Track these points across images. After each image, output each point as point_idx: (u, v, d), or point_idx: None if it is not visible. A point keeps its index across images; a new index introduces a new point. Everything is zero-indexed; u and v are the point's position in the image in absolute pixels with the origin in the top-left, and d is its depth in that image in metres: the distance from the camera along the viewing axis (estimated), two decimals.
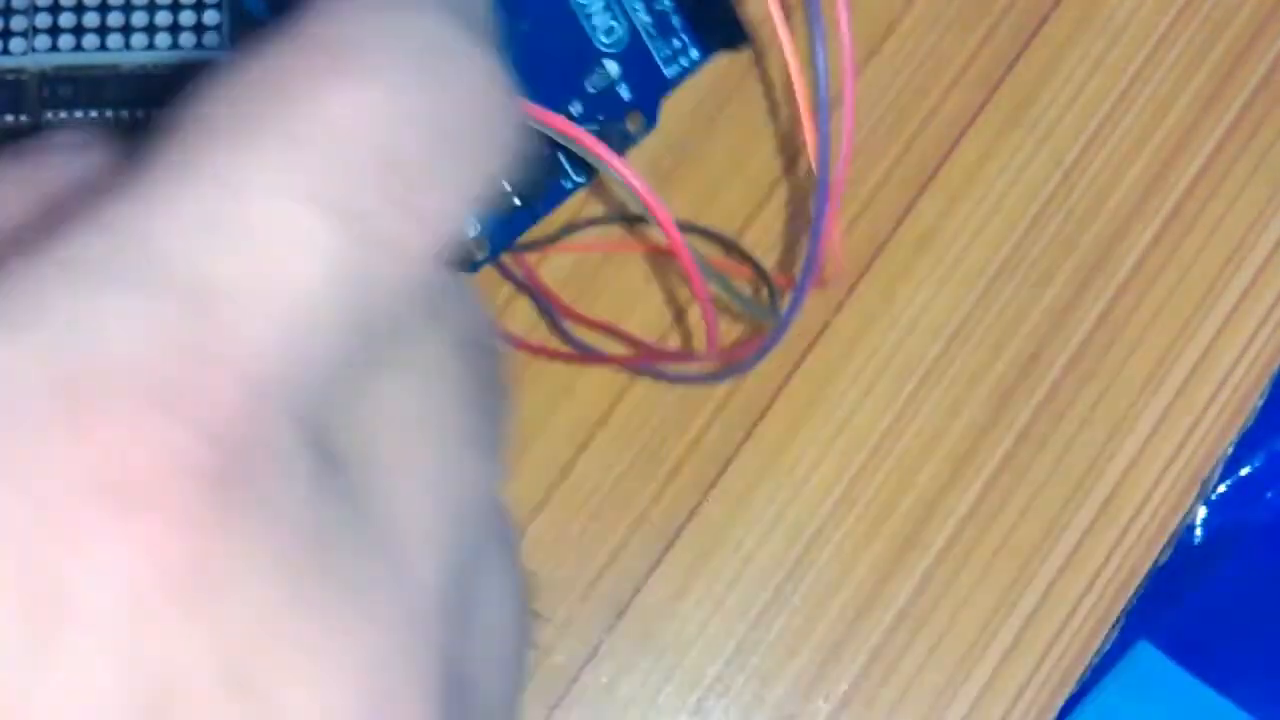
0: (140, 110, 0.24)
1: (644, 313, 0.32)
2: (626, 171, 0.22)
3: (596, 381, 0.31)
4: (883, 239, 0.32)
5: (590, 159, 0.22)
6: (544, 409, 0.31)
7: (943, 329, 0.32)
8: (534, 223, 0.25)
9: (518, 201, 0.25)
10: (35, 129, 0.29)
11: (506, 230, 0.25)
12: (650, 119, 0.26)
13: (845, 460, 0.32)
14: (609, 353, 0.29)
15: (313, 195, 0.13)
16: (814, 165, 0.23)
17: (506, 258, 0.30)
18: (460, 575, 0.14)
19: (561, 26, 0.25)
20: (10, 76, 0.24)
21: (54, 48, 0.24)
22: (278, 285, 0.13)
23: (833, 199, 0.24)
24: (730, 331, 0.32)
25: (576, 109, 0.25)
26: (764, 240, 0.32)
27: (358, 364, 0.14)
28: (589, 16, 0.25)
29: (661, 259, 0.31)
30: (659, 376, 0.30)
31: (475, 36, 0.14)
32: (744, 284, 0.31)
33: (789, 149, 0.32)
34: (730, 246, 0.32)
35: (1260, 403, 0.32)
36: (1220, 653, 0.33)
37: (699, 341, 0.31)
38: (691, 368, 0.28)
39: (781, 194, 0.32)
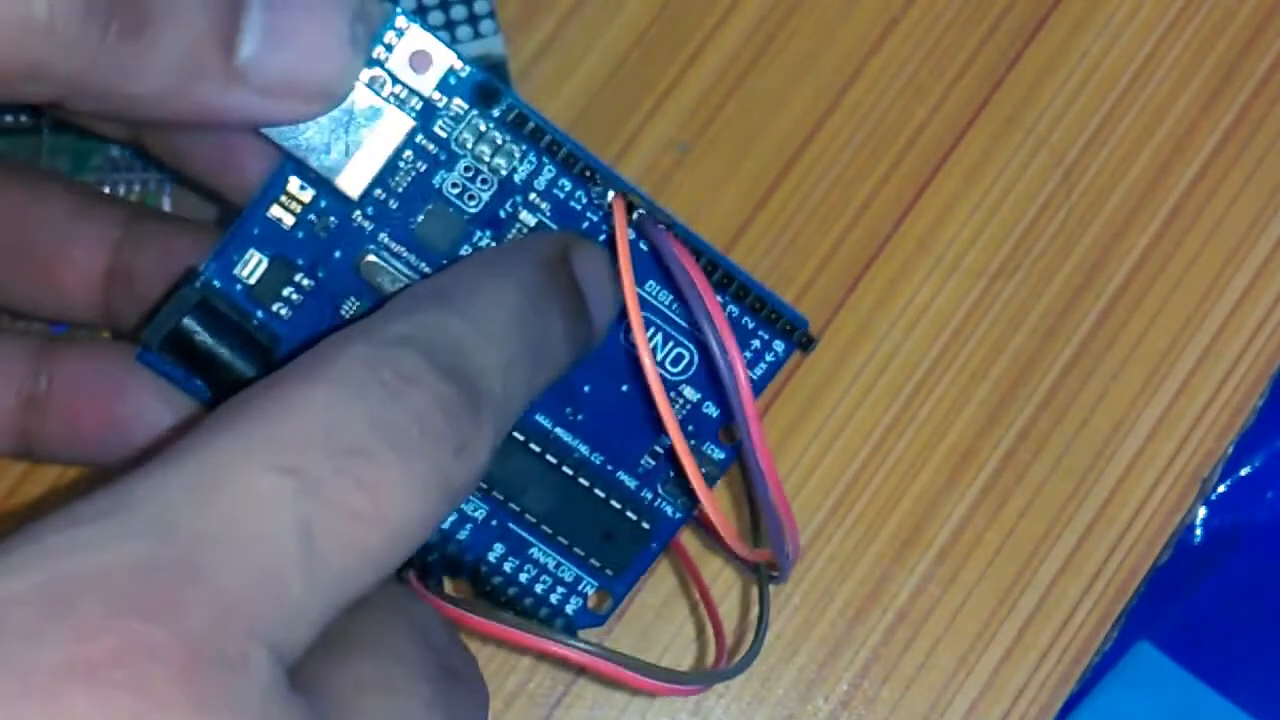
0: None
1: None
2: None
3: None
4: (883, 239, 0.32)
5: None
6: None
7: (943, 329, 0.32)
8: (641, 574, 0.25)
9: (611, 573, 0.25)
10: (35, 129, 0.29)
11: (621, 583, 0.25)
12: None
13: (845, 460, 0.32)
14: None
15: (278, 464, 0.17)
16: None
17: None
18: None
19: (624, 375, 0.25)
20: None
21: None
22: (247, 529, 0.16)
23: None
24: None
25: (663, 446, 0.25)
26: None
27: (326, 616, 0.17)
28: (651, 354, 0.24)
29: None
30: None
31: (429, 365, 0.18)
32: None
33: None
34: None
35: (1260, 403, 0.32)
36: (1220, 653, 0.33)
37: None
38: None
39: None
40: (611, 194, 0.23)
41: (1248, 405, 0.32)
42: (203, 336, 0.22)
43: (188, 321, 0.22)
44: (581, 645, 0.21)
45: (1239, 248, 0.33)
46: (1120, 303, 0.32)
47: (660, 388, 0.21)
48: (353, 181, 0.23)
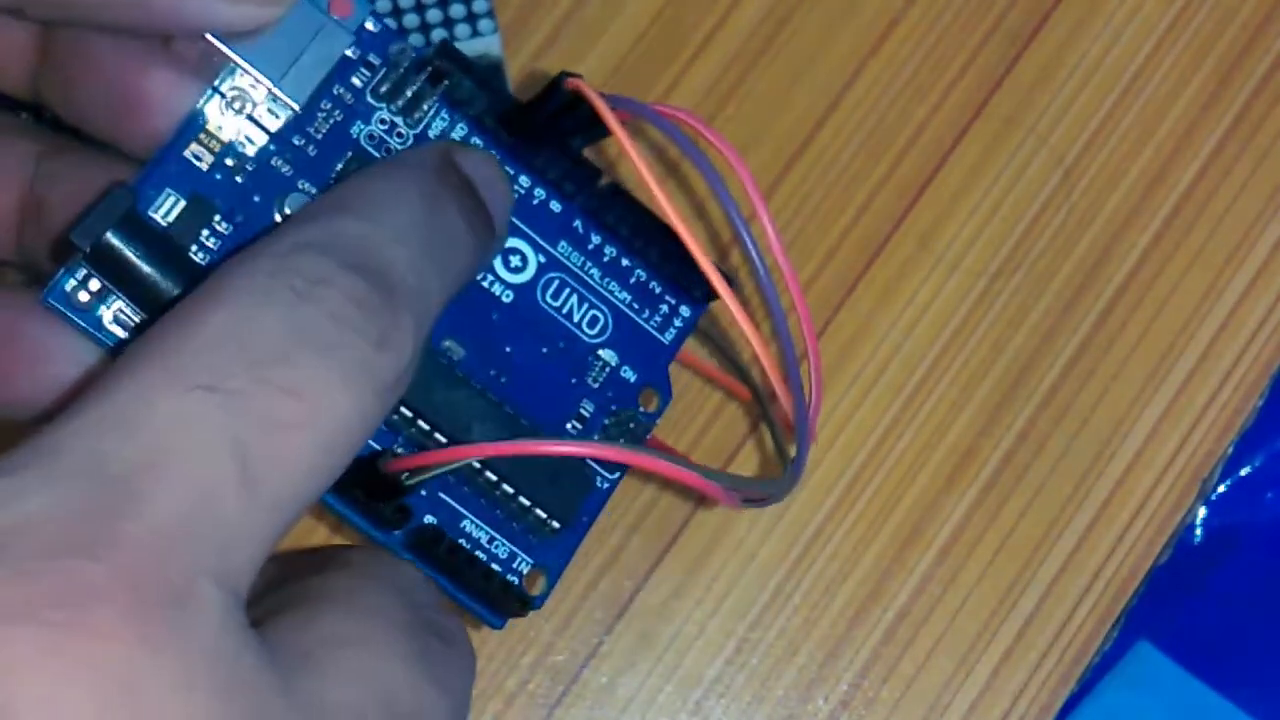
0: None
1: None
2: (652, 462, 0.21)
3: None
4: (883, 239, 0.32)
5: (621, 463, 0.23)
6: None
7: (943, 329, 0.32)
8: (583, 537, 0.24)
9: (557, 525, 0.24)
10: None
11: (559, 553, 0.24)
12: (665, 393, 0.25)
13: (845, 460, 0.32)
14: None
15: (196, 383, 0.16)
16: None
17: None
18: None
19: (544, 337, 0.24)
20: None
21: None
22: (177, 455, 0.16)
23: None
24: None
25: (588, 409, 0.24)
26: None
27: (271, 537, 0.16)
28: (568, 316, 0.24)
29: None
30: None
31: (342, 262, 0.18)
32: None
33: None
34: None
35: (1260, 403, 0.32)
36: (1220, 653, 0.33)
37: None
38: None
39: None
40: (565, 79, 0.23)
41: (1248, 405, 0.32)
42: (132, 246, 0.21)
43: (113, 234, 0.21)
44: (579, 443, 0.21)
45: (1239, 248, 0.33)
46: (1120, 303, 0.32)
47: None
48: (298, 88, 0.23)
